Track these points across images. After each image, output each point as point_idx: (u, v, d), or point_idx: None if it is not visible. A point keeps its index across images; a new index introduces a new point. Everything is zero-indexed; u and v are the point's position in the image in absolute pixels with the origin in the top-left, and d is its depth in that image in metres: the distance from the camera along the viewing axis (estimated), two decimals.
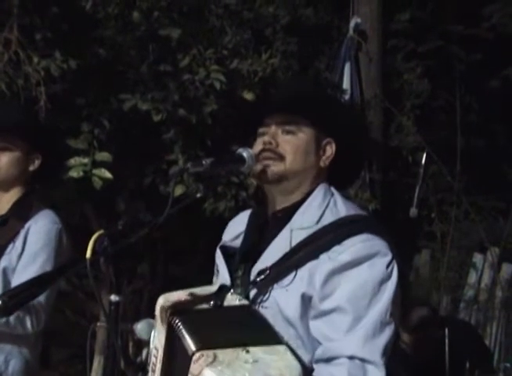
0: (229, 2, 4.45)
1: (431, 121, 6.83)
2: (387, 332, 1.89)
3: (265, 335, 1.82)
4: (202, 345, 1.73)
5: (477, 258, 6.24)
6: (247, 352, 1.72)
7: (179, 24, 4.15)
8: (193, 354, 1.72)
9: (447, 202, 6.46)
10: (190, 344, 1.75)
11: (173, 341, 1.86)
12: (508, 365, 5.68)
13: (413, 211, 5.98)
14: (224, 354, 1.71)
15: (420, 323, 4.09)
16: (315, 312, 1.91)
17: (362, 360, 1.83)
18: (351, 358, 1.83)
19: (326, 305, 1.89)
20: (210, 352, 1.71)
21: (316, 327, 1.91)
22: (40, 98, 3.80)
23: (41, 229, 2.91)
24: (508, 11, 6.62)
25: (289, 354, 1.77)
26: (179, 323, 1.83)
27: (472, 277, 6.22)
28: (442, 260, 6.22)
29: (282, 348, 1.78)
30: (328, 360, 1.86)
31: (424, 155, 6.06)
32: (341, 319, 1.87)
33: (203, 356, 1.70)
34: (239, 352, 1.72)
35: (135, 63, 4.15)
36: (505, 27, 6.62)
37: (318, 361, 1.89)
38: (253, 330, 1.84)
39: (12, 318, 2.71)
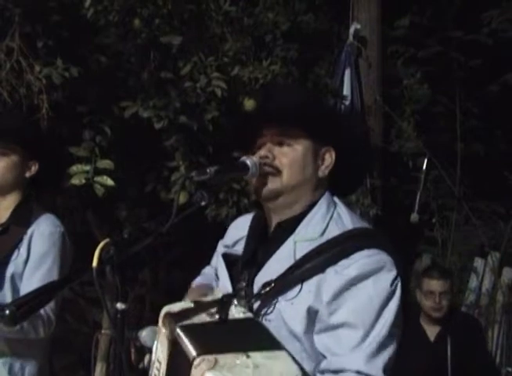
0: (229, 9, 4.45)
1: (432, 127, 6.84)
2: (391, 348, 1.89)
3: (265, 341, 1.82)
4: (202, 350, 1.73)
5: (478, 262, 6.25)
6: (248, 356, 1.72)
7: (180, 32, 4.15)
8: (194, 359, 1.71)
9: (448, 207, 6.47)
10: (191, 349, 1.74)
11: (176, 354, 1.84)
12: (510, 369, 5.69)
13: (414, 217, 5.99)
14: (225, 358, 1.70)
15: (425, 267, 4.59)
16: (321, 326, 1.91)
17: None
18: (357, 373, 1.84)
19: (333, 319, 1.89)
20: (211, 357, 1.70)
21: (321, 340, 1.91)
22: (42, 106, 3.81)
23: (43, 233, 2.93)
24: (507, 16, 6.63)
25: (289, 359, 1.76)
26: (181, 333, 1.81)
27: (473, 282, 6.23)
28: (443, 265, 6.22)
29: (282, 353, 1.77)
30: (335, 372, 1.86)
31: (425, 160, 6.07)
32: (347, 334, 1.88)
33: (204, 360, 1.70)
34: (240, 357, 1.71)
35: (136, 71, 4.15)
36: (504, 32, 6.63)
37: (324, 372, 1.89)
38: (253, 337, 1.83)
39: (25, 323, 2.74)
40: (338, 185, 2.17)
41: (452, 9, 6.96)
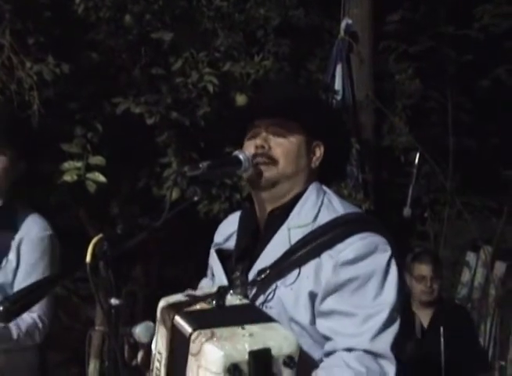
0: (221, 5, 4.45)
1: (423, 121, 6.85)
2: (395, 325, 1.91)
3: (259, 316, 1.84)
4: (198, 325, 1.74)
5: (471, 256, 6.27)
6: (243, 328, 1.74)
7: (171, 27, 4.16)
8: (191, 335, 1.72)
9: (440, 202, 6.49)
10: (187, 328, 1.76)
11: (176, 342, 1.84)
12: (503, 363, 5.72)
13: (407, 211, 5.99)
14: (221, 331, 1.72)
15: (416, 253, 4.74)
16: (322, 309, 1.93)
17: (375, 355, 1.86)
18: (365, 352, 1.85)
19: (334, 304, 1.91)
20: (208, 331, 1.71)
21: (324, 323, 1.93)
22: (33, 102, 3.79)
23: (34, 239, 2.84)
24: (499, 11, 6.64)
25: (283, 329, 1.79)
26: (179, 318, 1.82)
27: (465, 276, 6.25)
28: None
29: (276, 324, 1.80)
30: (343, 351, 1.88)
31: (417, 155, 6.08)
32: (349, 317, 1.90)
33: (200, 333, 1.71)
34: (236, 329, 1.74)
35: (128, 67, 4.16)
36: (496, 27, 6.63)
37: (330, 353, 1.90)
38: (249, 314, 1.86)
39: (21, 334, 2.72)
40: (323, 176, 2.20)
41: (444, 5, 6.96)
